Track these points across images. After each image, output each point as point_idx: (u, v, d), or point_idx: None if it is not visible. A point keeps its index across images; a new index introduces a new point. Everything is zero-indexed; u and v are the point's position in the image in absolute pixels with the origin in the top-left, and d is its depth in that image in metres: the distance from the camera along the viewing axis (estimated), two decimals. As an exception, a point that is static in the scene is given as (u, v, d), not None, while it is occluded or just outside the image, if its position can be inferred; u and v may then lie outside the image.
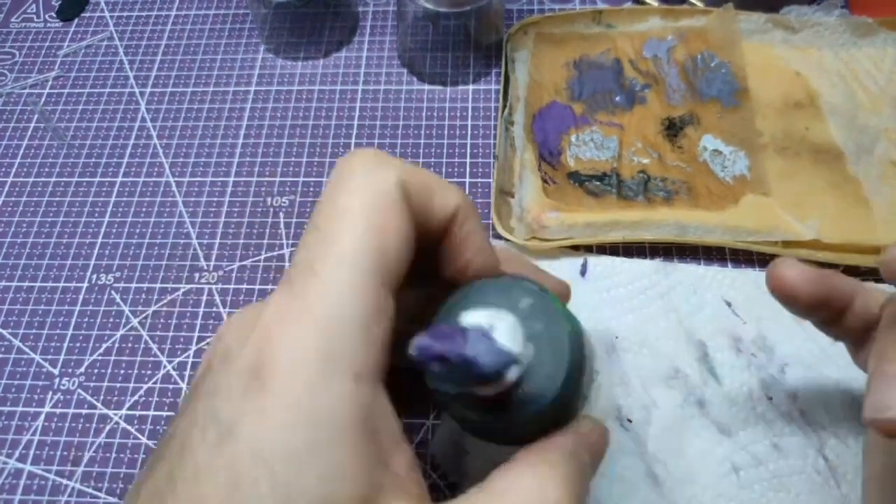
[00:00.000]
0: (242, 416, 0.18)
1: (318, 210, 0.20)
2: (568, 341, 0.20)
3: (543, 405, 0.20)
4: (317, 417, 0.17)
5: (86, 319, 0.37)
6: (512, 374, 0.20)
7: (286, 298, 0.19)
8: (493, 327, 0.20)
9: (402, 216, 0.19)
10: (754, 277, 0.36)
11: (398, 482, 0.18)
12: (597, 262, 0.37)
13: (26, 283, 0.38)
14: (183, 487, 0.18)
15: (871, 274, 0.35)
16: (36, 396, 0.35)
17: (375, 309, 0.18)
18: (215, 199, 0.41)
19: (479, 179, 0.40)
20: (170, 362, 0.35)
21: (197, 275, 0.38)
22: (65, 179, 0.42)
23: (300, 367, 0.17)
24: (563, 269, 0.36)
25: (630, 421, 0.32)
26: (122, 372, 0.35)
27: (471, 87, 0.44)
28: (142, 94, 0.46)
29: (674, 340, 0.34)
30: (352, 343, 0.18)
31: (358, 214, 0.19)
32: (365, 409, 0.18)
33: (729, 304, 0.35)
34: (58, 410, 0.34)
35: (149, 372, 0.35)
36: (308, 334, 0.18)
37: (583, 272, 0.36)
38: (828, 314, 0.25)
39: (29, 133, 0.44)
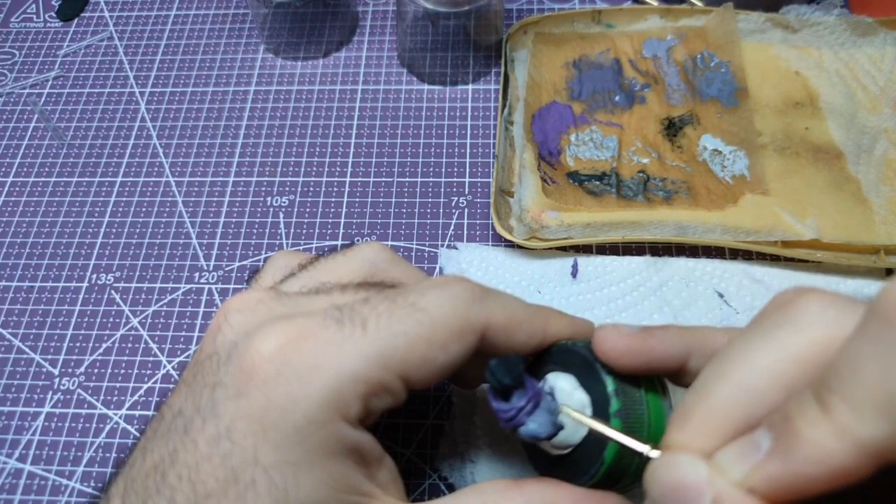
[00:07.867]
0: (241, 422, 0.20)
1: (413, 292, 0.23)
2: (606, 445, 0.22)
3: (585, 480, 0.23)
4: (311, 443, 0.21)
5: (86, 319, 0.37)
6: (557, 441, 0.22)
7: (319, 329, 0.22)
8: (570, 396, 0.23)
9: (460, 343, 0.23)
10: (744, 268, 0.36)
11: (382, 490, 0.23)
12: (587, 262, 0.37)
13: (26, 283, 0.38)
14: (184, 469, 0.20)
15: (870, 274, 0.35)
16: (36, 396, 0.35)
17: (381, 389, 0.22)
18: (215, 199, 0.41)
19: (479, 179, 0.40)
20: (170, 362, 0.35)
21: (197, 275, 0.38)
22: (65, 179, 0.42)
23: (307, 403, 0.21)
24: (553, 269, 0.36)
25: None
26: (121, 372, 0.35)
27: (470, 86, 0.44)
28: (142, 93, 0.46)
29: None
30: (352, 399, 0.21)
31: (425, 321, 0.22)
32: (353, 441, 0.22)
33: (721, 296, 0.35)
34: (58, 410, 0.34)
35: (149, 372, 0.35)
36: (320, 376, 0.21)
37: (573, 273, 0.36)
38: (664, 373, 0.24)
39: (29, 133, 0.44)
